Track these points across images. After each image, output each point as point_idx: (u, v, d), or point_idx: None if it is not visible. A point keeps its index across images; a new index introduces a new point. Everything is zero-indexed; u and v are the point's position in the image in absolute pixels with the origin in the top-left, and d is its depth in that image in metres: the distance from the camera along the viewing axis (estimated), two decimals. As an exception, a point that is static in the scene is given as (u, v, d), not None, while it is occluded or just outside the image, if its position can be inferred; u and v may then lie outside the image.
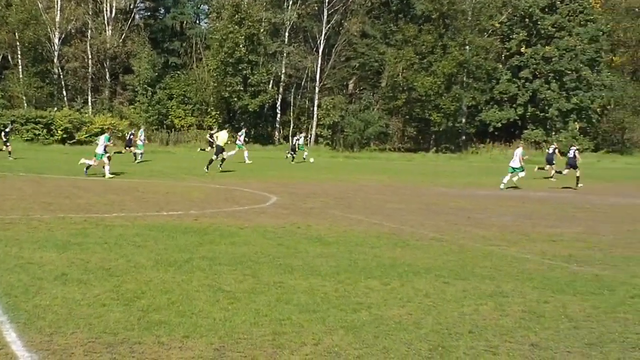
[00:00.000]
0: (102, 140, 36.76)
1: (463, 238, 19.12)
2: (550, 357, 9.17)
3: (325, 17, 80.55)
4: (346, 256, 15.67)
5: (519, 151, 38.77)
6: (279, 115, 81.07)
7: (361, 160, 65.37)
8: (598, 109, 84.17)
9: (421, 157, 71.64)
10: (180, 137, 74.86)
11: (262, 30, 77.89)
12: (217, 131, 50.35)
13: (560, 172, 41.81)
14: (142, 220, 20.07)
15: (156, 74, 79.23)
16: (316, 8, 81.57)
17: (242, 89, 76.36)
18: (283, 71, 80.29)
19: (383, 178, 42.32)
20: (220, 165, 42.48)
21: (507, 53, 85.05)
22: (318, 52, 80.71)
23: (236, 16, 74.91)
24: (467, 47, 79.24)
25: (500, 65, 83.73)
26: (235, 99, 76.30)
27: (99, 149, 36.19)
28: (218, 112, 79.05)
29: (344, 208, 25.53)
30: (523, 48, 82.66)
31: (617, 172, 57.22)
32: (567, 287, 13.22)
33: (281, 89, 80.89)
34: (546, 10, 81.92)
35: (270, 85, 79.09)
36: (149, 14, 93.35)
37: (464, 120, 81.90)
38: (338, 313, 10.89)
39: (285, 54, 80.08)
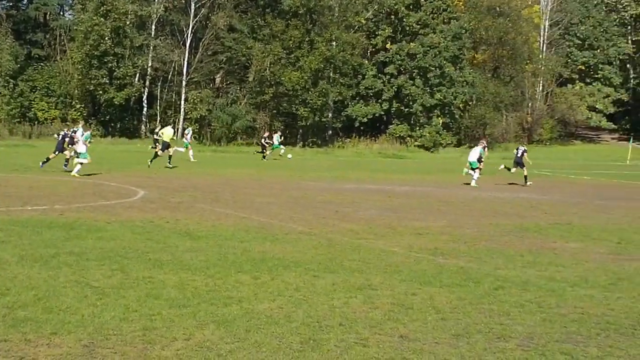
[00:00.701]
0: (82, 138, 36.09)
1: (331, 232, 19.27)
2: (419, 348, 9.32)
3: (192, 10, 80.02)
4: (216, 250, 15.63)
5: (476, 148, 39.87)
6: (145, 109, 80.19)
7: (229, 154, 65.21)
8: (460, 105, 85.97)
9: (288, 151, 71.76)
10: (44, 130, 73.08)
11: (128, 23, 76.92)
12: (162, 128, 50.61)
13: (508, 169, 41.81)
14: (4, 215, 19.60)
15: (18, 65, 77.32)
16: (183, 1, 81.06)
17: (107, 82, 75.16)
18: (150, 64, 79.43)
19: (251, 172, 42.29)
20: (169, 162, 43.00)
21: (373, 49, 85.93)
22: (185, 45, 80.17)
23: (102, 8, 73.71)
24: (334, 42, 79.69)
25: (366, 61, 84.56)
26: (101, 92, 75.06)
27: (81, 148, 35.41)
28: (83, 105, 77.61)
29: (212, 202, 25.45)
30: (388, 44, 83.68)
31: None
32: (434, 280, 13.46)
33: (148, 83, 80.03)
34: (411, 7, 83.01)
35: (136, 79, 78.19)
36: (11, 4, 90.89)
37: (330, 114, 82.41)
38: (209, 307, 10.86)
39: (152, 47, 79.24)
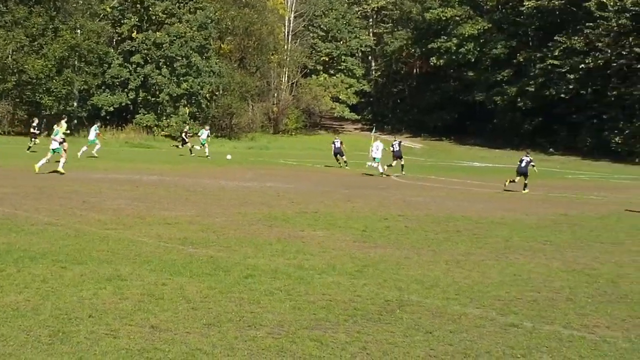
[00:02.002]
0: (56, 134, 35.15)
1: (79, 222, 18.98)
2: (170, 338, 9.37)
3: None
4: (-44, 244, 15.11)
5: (379, 143, 43.69)
6: None
7: (-33, 145, 62.81)
8: (207, 95, 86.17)
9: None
10: None
11: None
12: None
13: (390, 165, 44.39)
14: None
15: None
16: None
17: None
18: None
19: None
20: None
21: (119, 38, 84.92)
22: None
23: None
24: (79, 30, 78.11)
25: (112, 50, 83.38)
26: None
27: (54, 144, 34.63)
28: None
29: (-49, 194, 24.50)
30: (134, 33, 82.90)
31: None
32: (184, 269, 13.53)
33: None
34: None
35: None
36: None
37: (75, 104, 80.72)
38: (-51, 303, 10.51)
39: None
